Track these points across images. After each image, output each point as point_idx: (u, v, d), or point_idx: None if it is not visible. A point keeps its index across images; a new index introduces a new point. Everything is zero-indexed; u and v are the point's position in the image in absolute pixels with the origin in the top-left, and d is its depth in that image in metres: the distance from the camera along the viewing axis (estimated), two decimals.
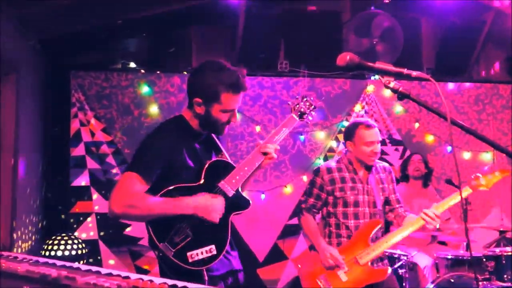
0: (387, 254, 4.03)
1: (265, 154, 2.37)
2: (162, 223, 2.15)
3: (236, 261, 2.39)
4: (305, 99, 2.61)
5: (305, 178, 5.34)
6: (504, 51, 6.01)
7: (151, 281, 1.07)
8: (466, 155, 5.72)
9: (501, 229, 4.39)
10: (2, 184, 3.90)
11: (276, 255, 5.25)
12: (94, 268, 1.30)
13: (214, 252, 2.19)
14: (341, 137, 5.48)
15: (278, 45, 5.51)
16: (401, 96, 1.51)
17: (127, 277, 1.16)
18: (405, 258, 3.93)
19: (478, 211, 5.58)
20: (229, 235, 2.25)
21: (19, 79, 4.08)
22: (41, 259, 1.48)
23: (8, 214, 3.91)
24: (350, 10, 5.84)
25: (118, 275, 1.20)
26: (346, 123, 5.50)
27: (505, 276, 3.88)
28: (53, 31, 4.57)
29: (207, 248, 2.17)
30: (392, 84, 1.52)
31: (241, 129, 5.32)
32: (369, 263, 3.14)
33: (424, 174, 4.98)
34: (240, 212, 2.32)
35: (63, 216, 4.86)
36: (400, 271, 3.87)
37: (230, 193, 2.26)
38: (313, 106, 2.60)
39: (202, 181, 2.24)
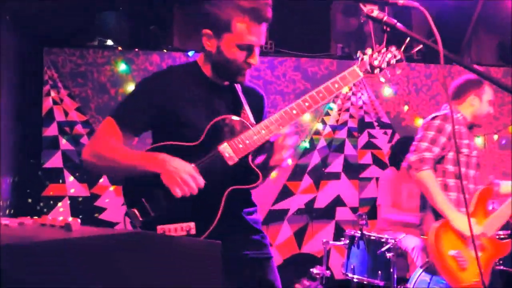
0: (373, 238, 3.86)
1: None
2: (137, 184, 1.77)
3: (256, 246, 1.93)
4: (384, 49, 1.92)
5: (289, 161, 5.13)
6: (495, 35, 5.86)
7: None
8: None
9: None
10: None
11: None
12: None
13: (193, 232, 1.73)
14: (327, 119, 5.28)
15: None
16: (386, 25, 1.30)
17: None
18: (393, 241, 3.74)
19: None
20: (220, 213, 1.75)
21: None
22: None
23: None
24: None
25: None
26: (333, 105, 5.31)
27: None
28: (26, 5, 4.34)
29: (184, 225, 1.73)
30: (375, 13, 1.31)
31: None
32: (496, 236, 2.77)
33: None
34: (245, 187, 1.81)
35: (33, 200, 4.61)
36: (388, 254, 3.67)
37: (232, 160, 1.77)
38: (397, 58, 1.94)
39: (200, 141, 1.79)
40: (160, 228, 1.73)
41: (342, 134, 5.29)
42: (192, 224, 1.73)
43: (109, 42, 5.04)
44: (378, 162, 5.32)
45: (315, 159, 5.19)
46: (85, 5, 4.74)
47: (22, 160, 4.62)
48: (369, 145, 5.33)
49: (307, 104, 1.81)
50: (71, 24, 4.89)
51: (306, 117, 5.24)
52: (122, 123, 1.83)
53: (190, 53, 5.04)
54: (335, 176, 5.22)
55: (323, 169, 5.20)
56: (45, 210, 4.59)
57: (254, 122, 1.88)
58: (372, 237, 3.86)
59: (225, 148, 1.77)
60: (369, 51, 1.90)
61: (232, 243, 1.80)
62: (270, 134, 1.80)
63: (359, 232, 3.85)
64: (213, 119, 1.81)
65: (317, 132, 5.25)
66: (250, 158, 1.79)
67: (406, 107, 5.47)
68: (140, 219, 1.74)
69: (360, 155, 5.32)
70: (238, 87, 1.97)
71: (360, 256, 3.85)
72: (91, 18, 4.97)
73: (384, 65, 1.91)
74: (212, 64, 1.87)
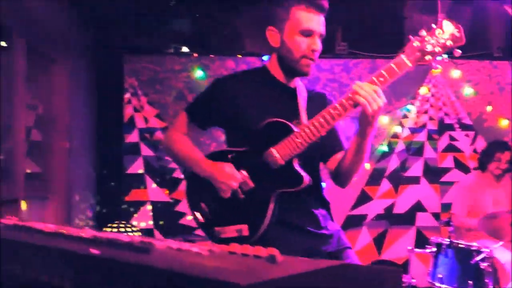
0: (462, 246, 3.67)
1: (355, 105, 1.68)
2: (197, 189, 1.91)
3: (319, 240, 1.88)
4: (439, 30, 1.60)
5: (367, 166, 5.00)
6: None
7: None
8: None
9: None
10: (57, 171, 3.80)
11: None
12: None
13: (246, 234, 1.79)
14: (405, 122, 5.12)
15: (335, 26, 5.22)
16: None
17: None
18: (487, 250, 3.54)
19: None
20: (270, 216, 1.77)
21: (72, 63, 3.97)
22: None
23: (64, 201, 3.81)
24: None
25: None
26: (411, 107, 5.13)
27: None
28: (105, 13, 4.46)
29: (237, 227, 1.80)
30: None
31: None
32: None
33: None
34: (289, 190, 1.79)
35: (118, 204, 4.73)
36: (483, 264, 3.49)
37: (275, 165, 1.78)
38: (456, 36, 1.58)
39: (251, 146, 1.85)
40: (218, 230, 1.85)
41: (421, 137, 5.10)
42: (244, 227, 1.80)
43: (185, 49, 5.11)
44: (460, 165, 5.09)
45: (393, 163, 5.04)
46: (159, 12, 4.83)
47: (106, 166, 4.76)
48: (450, 148, 5.11)
49: (350, 102, 1.72)
50: (147, 32, 5.00)
51: (384, 120, 5.10)
52: (192, 117, 2.00)
53: (265, 58, 5.02)
54: (415, 180, 5.04)
55: (402, 173, 5.04)
56: (129, 214, 4.70)
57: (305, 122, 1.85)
58: (461, 245, 3.68)
59: (271, 153, 1.80)
60: (423, 32, 1.63)
61: (288, 245, 1.76)
62: (314, 136, 1.75)
63: (447, 240, 3.68)
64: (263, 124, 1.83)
65: (395, 135, 5.09)
66: (296, 161, 1.80)
67: (489, 108, 5.20)
68: (202, 221, 1.89)
69: (440, 158, 5.11)
70: (301, 91, 1.94)
71: (449, 265, 3.68)
72: (166, 25, 5.06)
73: (437, 49, 1.61)
74: (279, 60, 1.89)
